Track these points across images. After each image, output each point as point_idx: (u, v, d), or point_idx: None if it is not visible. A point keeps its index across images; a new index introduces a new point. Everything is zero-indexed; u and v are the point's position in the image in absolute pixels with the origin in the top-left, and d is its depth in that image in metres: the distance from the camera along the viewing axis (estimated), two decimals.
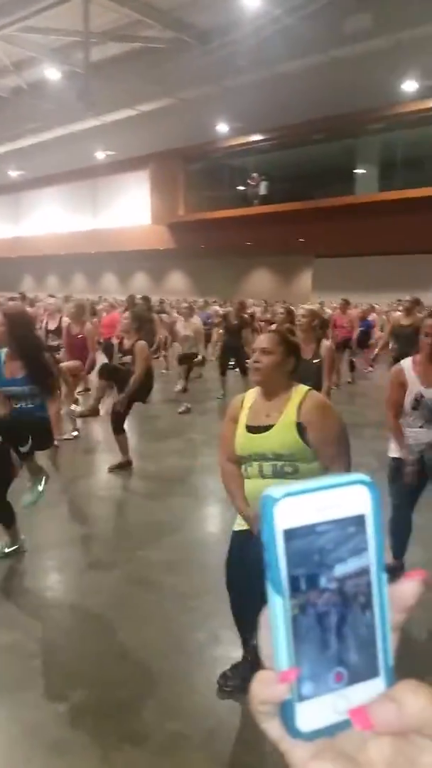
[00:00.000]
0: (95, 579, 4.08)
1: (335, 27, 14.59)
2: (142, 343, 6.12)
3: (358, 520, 0.37)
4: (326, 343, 5.32)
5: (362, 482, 0.37)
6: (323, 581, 0.36)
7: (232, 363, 10.35)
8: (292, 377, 2.64)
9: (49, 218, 32.64)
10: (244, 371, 10.20)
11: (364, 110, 20.20)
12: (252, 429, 2.57)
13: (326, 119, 20.90)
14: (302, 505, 0.35)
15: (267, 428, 2.52)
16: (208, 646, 3.25)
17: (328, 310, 17.45)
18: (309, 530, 0.35)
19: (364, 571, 0.37)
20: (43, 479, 4.16)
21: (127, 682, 3.00)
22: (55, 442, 4.14)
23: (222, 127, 23.32)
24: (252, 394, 2.69)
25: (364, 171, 23.59)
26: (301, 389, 2.60)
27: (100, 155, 27.41)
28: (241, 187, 26.29)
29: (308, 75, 16.60)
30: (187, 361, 9.67)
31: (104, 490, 6.03)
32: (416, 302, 8.74)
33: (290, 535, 0.35)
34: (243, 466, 2.64)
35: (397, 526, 3.86)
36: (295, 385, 2.63)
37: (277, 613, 0.35)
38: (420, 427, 3.60)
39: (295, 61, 16.05)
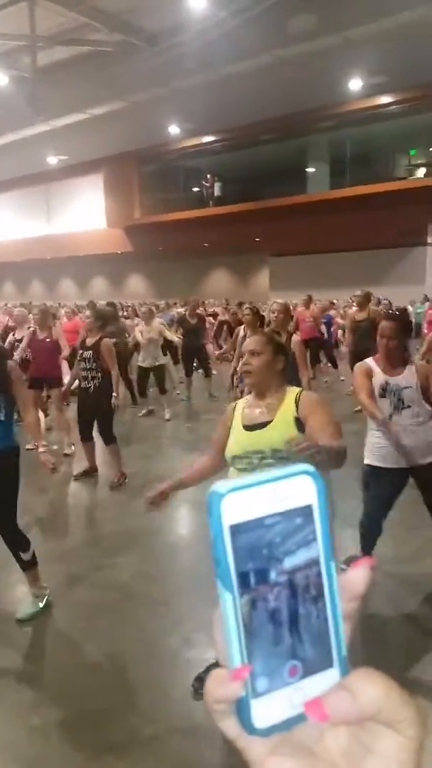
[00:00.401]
0: (64, 591, 4.04)
1: (280, 27, 14.75)
2: (108, 341, 6.04)
3: (306, 511, 0.37)
4: (296, 338, 5.41)
5: (307, 473, 0.37)
6: (273, 575, 0.35)
7: (196, 364, 10.22)
8: (283, 376, 2.64)
9: (2, 225, 32.14)
10: (207, 372, 10.17)
11: (312, 109, 20.46)
12: (249, 427, 2.56)
13: (276, 119, 21.11)
14: (248, 499, 0.35)
15: (264, 425, 2.52)
16: (181, 651, 3.26)
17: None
18: (256, 524, 0.35)
19: (314, 562, 0.37)
20: (46, 595, 3.78)
21: (101, 692, 2.98)
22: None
23: (174, 129, 23.34)
24: (243, 401, 2.71)
25: (315, 169, 23.89)
26: (295, 388, 2.63)
27: (53, 160, 27.12)
28: (195, 189, 26.35)
29: (256, 75, 16.75)
30: (147, 375, 9.21)
31: (72, 497, 5.98)
32: (367, 297, 8.90)
33: (238, 530, 0.35)
34: (238, 469, 2.58)
35: (369, 531, 3.88)
36: (288, 385, 2.64)
37: (227, 610, 0.35)
38: (389, 418, 3.63)
39: (242, 62, 16.18)
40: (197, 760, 2.58)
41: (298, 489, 0.37)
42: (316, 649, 0.36)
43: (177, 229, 25.15)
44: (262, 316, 6.79)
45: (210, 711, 0.37)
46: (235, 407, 2.71)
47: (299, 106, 19.93)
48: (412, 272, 20.66)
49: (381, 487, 3.76)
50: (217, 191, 24.81)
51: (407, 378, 3.62)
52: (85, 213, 29.47)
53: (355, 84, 18.73)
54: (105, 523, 5.35)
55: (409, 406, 3.59)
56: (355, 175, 21.44)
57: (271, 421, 2.51)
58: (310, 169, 24.05)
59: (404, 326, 3.73)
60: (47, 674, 3.18)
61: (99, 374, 5.91)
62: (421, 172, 20.84)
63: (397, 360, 3.67)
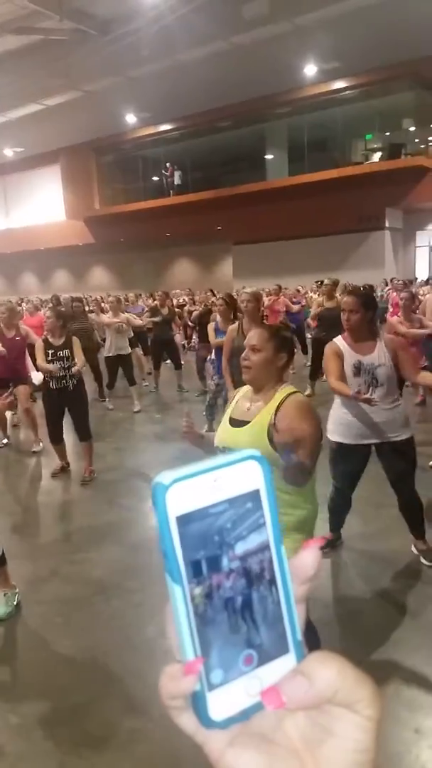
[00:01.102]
0: (37, 587, 4.03)
1: (234, 14, 14.70)
2: (75, 338, 6.07)
3: (254, 496, 0.37)
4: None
5: (253, 457, 0.37)
6: (225, 562, 0.35)
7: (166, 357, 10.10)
8: (282, 374, 2.53)
9: None
10: (177, 364, 10.06)
11: (269, 95, 20.49)
12: (232, 421, 2.50)
13: (233, 106, 21.08)
14: (195, 488, 0.35)
15: (243, 423, 2.43)
16: (158, 640, 3.27)
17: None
18: (205, 513, 0.35)
19: (265, 547, 0.37)
20: (17, 594, 3.77)
21: (79, 686, 2.99)
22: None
23: (131, 118, 23.13)
24: (245, 389, 2.62)
25: (274, 156, 23.93)
26: (285, 390, 2.45)
27: (8, 152, 26.64)
28: (155, 178, 26.16)
29: (211, 62, 16.69)
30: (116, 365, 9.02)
31: (43, 495, 5.95)
32: (336, 284, 8.94)
33: (186, 519, 0.34)
34: None
35: (337, 505, 4.00)
36: (284, 384, 2.49)
37: (177, 604, 0.34)
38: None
39: (196, 49, 16.09)
40: (177, 748, 2.61)
41: (244, 474, 0.37)
42: (270, 635, 0.36)
43: (138, 220, 24.97)
44: (237, 306, 6.67)
45: (165, 708, 0.37)
46: (239, 391, 2.66)
47: (256, 92, 19.93)
48: (371, 256, 20.88)
49: (348, 463, 3.84)
50: (177, 180, 24.68)
51: (380, 356, 3.64)
52: (44, 205, 29.05)
53: (310, 70, 18.80)
54: (76, 519, 5.34)
55: (382, 385, 3.62)
56: (314, 161, 21.55)
57: (249, 422, 2.42)
58: (269, 156, 24.08)
59: (366, 300, 3.72)
60: (24, 672, 3.18)
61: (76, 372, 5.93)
62: (377, 156, 21.03)
63: (362, 334, 3.68)
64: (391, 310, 10.32)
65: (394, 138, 20.92)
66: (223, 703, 0.35)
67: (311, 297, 14.48)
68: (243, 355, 2.52)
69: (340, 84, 20.27)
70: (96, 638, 3.37)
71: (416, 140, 20.82)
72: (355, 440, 3.76)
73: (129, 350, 9.01)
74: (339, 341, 3.78)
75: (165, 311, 10.01)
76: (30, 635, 3.53)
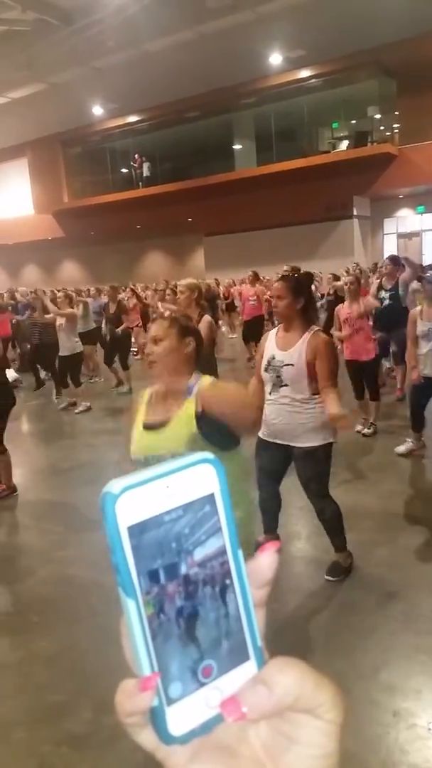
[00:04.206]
0: (14, 586, 4.00)
1: (198, 3, 14.61)
2: None
3: (209, 500, 0.36)
4: (207, 318, 5.13)
5: (206, 461, 0.36)
6: (183, 569, 0.34)
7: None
8: (193, 362, 2.35)
9: None
10: (124, 365, 9.71)
11: (235, 85, 20.44)
12: (149, 426, 2.29)
13: (200, 96, 20.98)
14: (147, 496, 0.34)
15: (164, 423, 2.25)
16: None
17: (222, 288, 17.64)
18: (159, 520, 0.34)
19: (222, 552, 0.36)
20: None
21: (58, 684, 2.98)
22: None
23: (97, 110, 22.90)
24: (150, 391, 2.42)
25: (242, 146, 23.89)
26: (204, 379, 2.32)
27: None
28: (124, 170, 25.95)
29: (177, 52, 16.58)
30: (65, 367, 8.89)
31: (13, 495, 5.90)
32: (294, 271, 8.90)
33: (139, 529, 0.33)
34: None
35: (265, 502, 3.71)
36: (197, 374, 2.34)
37: (131, 618, 0.33)
38: (269, 394, 3.46)
39: (162, 39, 15.98)
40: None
41: (199, 478, 0.36)
42: (229, 644, 0.35)
43: (108, 212, 24.75)
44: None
45: (124, 725, 0.35)
46: (141, 400, 2.41)
47: (222, 82, 19.85)
48: (340, 245, 21.00)
49: (262, 459, 3.62)
50: (145, 172, 24.50)
51: (293, 354, 3.35)
52: (11, 200, 28.64)
53: (275, 59, 18.80)
54: (53, 517, 5.30)
55: (286, 385, 3.38)
56: (281, 150, 21.56)
57: (170, 420, 2.24)
58: (237, 146, 24.02)
59: (296, 285, 3.39)
60: (3, 674, 3.16)
61: None
62: (344, 144, 21.12)
63: (291, 324, 3.42)
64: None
65: (360, 126, 21.02)
66: (182, 717, 0.33)
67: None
68: (147, 350, 2.35)
69: (305, 73, 20.27)
70: (76, 635, 3.36)
71: (381, 128, 20.94)
72: (268, 437, 3.55)
73: (79, 349, 8.75)
74: (273, 331, 3.56)
75: (113, 308, 9.72)
76: (7, 635, 3.51)
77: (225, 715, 0.34)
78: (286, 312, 3.39)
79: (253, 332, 10.93)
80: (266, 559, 0.37)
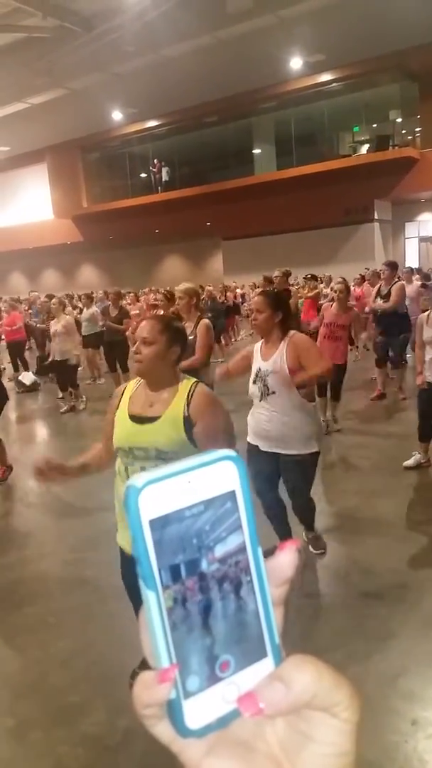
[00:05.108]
0: (31, 586, 4.01)
1: (218, 8, 14.65)
2: None
3: (230, 497, 0.36)
4: (205, 322, 5.14)
5: (228, 458, 0.36)
6: (204, 565, 0.34)
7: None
8: (177, 366, 2.43)
9: None
10: (124, 367, 9.77)
11: (255, 90, 20.45)
12: (135, 418, 2.34)
13: (220, 101, 21.03)
14: (170, 491, 0.34)
15: (152, 419, 2.31)
16: None
17: (239, 290, 17.57)
18: (181, 515, 0.34)
19: (242, 549, 0.36)
20: None
21: (74, 686, 2.98)
22: None
23: (117, 115, 23.05)
24: (134, 384, 2.47)
25: (261, 151, 23.91)
26: (188, 381, 2.40)
27: None
28: (143, 175, 26.08)
29: (196, 57, 16.63)
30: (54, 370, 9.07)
31: (35, 496, 5.92)
32: (286, 275, 8.94)
33: (161, 523, 0.33)
34: (123, 466, 2.41)
35: (270, 509, 3.74)
36: (183, 376, 2.42)
37: (151, 610, 0.33)
38: (259, 401, 3.56)
39: (181, 44, 16.04)
40: None
41: (220, 475, 0.36)
42: (247, 640, 0.35)
43: (127, 217, 24.89)
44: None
45: (140, 717, 0.35)
46: (124, 390, 2.48)
47: (242, 86, 19.89)
48: (361, 249, 20.89)
49: (254, 464, 3.63)
50: (164, 176, 24.61)
51: (275, 361, 3.48)
52: (31, 204, 28.91)
53: (296, 63, 18.79)
54: (71, 519, 5.31)
55: (274, 393, 3.47)
56: (301, 154, 21.55)
57: (158, 417, 2.30)
58: (257, 151, 24.05)
59: (274, 300, 3.54)
60: (18, 674, 3.16)
61: None
62: (364, 148, 21.04)
63: (270, 336, 3.54)
64: (354, 304, 10.44)
65: (381, 130, 20.94)
66: (199, 710, 0.34)
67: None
68: (134, 347, 2.41)
69: (326, 77, 20.24)
70: (91, 638, 3.36)
71: (403, 131, 20.85)
72: (259, 444, 3.62)
73: (69, 356, 8.84)
74: (257, 344, 3.66)
75: (115, 313, 9.76)
76: (24, 636, 3.51)
77: (241, 710, 0.34)
78: (265, 325, 3.52)
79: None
80: (286, 558, 0.37)
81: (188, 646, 0.34)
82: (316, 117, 21.61)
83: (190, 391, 2.34)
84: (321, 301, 9.22)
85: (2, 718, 2.80)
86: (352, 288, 10.10)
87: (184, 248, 27.38)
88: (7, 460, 6.14)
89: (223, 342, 13.00)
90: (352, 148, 21.70)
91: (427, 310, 5.48)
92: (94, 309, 11.09)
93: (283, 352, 3.48)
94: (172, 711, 0.34)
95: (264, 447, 3.61)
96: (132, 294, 13.52)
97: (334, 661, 0.35)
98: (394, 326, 7.71)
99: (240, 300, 17.07)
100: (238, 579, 0.35)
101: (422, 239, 22.84)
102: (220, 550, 0.35)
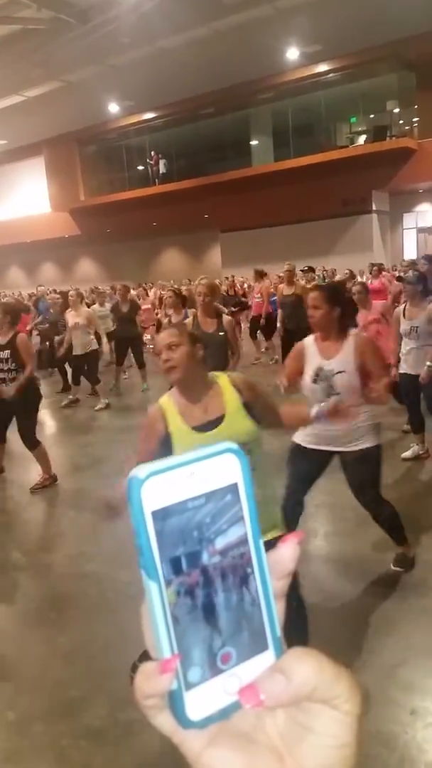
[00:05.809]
0: (33, 581, 4.03)
1: None
2: (23, 335, 5.70)
3: (232, 489, 0.36)
4: (229, 318, 5.12)
5: (230, 450, 0.37)
6: (205, 557, 0.35)
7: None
8: (204, 364, 2.42)
9: None
10: (140, 363, 9.64)
11: (252, 81, 20.37)
12: (200, 428, 2.30)
13: (216, 92, 20.94)
14: (171, 482, 0.34)
15: (218, 421, 2.29)
16: None
17: (238, 285, 17.56)
18: (183, 506, 0.34)
19: (243, 542, 0.36)
20: None
21: (75, 680, 3.00)
22: None
23: (113, 107, 22.95)
24: (169, 399, 2.41)
25: (259, 142, 23.81)
26: (222, 376, 2.41)
27: None
28: (140, 167, 25.98)
29: (192, 48, 16.55)
30: (79, 360, 8.78)
31: (37, 491, 5.93)
32: (292, 270, 8.95)
33: (163, 514, 0.34)
34: None
35: (293, 509, 3.57)
36: (211, 373, 2.43)
37: (153, 600, 0.33)
38: (321, 400, 3.32)
39: (177, 35, 15.96)
40: None
41: (222, 467, 0.36)
42: (249, 632, 0.36)
43: (124, 210, 24.81)
44: (184, 297, 6.60)
45: (141, 708, 0.35)
46: (163, 409, 2.38)
47: (238, 78, 19.80)
48: (359, 240, 20.84)
49: (300, 465, 3.56)
50: (162, 169, 24.52)
51: (343, 360, 3.31)
52: (28, 198, 28.83)
53: (292, 53, 18.70)
54: (68, 516, 5.33)
55: (339, 394, 3.25)
56: (299, 145, 21.47)
57: (224, 415, 2.30)
58: (254, 142, 23.95)
59: (332, 294, 3.38)
60: (20, 668, 3.18)
61: (19, 375, 5.49)
62: (362, 139, 20.96)
63: (328, 332, 3.37)
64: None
65: (379, 120, 20.85)
66: (200, 702, 0.34)
67: (275, 287, 14.44)
68: (162, 357, 2.35)
69: (322, 67, 20.15)
70: (93, 631, 3.38)
71: (401, 121, 20.75)
72: (312, 444, 3.48)
73: (94, 346, 8.65)
74: (308, 341, 3.47)
75: (125, 308, 9.52)
76: (26, 630, 3.53)
77: (243, 702, 0.34)
78: (323, 321, 3.35)
79: (258, 328, 11.62)
80: (287, 551, 0.37)
81: (190, 637, 0.34)
82: (314, 108, 21.51)
83: (231, 382, 2.38)
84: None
85: (5, 712, 2.83)
86: (368, 281, 10.02)
87: (182, 241, 27.31)
88: (50, 468, 5.84)
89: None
90: (350, 138, 21.60)
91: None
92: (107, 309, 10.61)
93: (351, 353, 3.30)
94: (174, 702, 0.34)
95: (314, 445, 3.46)
96: (141, 287, 13.31)
97: (334, 653, 0.36)
98: None
99: (242, 293, 17.03)
100: (240, 571, 0.36)
101: (420, 230, 22.78)
102: (221, 542, 0.35)
